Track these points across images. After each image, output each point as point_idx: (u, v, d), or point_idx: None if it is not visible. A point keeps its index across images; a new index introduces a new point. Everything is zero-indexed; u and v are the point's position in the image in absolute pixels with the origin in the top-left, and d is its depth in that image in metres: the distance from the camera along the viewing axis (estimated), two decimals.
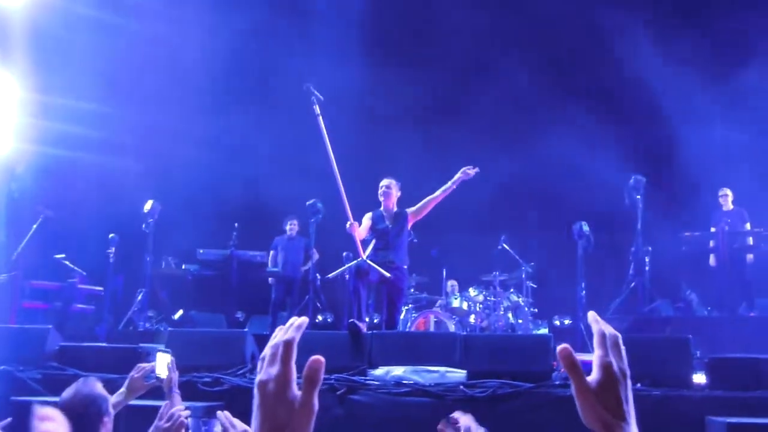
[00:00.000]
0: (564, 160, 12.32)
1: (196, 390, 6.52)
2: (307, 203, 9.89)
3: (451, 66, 13.64)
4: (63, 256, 11.40)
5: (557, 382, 6.30)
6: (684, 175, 12.19)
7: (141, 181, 12.30)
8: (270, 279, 11.68)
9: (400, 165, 10.31)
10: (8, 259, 10.27)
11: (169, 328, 9.03)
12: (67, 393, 3.62)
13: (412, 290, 11.36)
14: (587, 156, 11.96)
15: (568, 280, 10.18)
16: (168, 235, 11.38)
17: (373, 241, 8.37)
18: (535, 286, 11.77)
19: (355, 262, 8.25)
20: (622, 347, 1.40)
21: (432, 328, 10.28)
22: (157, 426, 3.06)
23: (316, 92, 8.18)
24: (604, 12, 12.09)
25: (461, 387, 6.31)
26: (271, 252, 11.88)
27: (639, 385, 6.00)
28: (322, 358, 1.32)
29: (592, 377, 1.36)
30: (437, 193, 8.34)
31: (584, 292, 9.87)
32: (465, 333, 9.50)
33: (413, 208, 8.46)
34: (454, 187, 8.28)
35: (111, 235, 10.85)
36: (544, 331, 11.29)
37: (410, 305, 11.11)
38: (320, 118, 8.12)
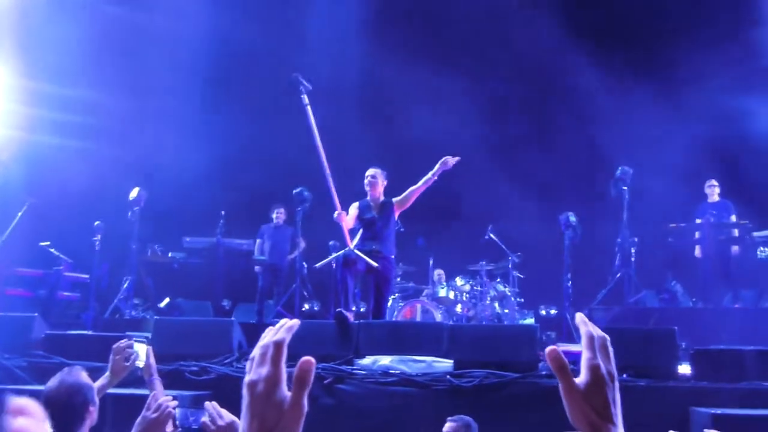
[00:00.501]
0: (549, 150, 12.38)
1: (183, 379, 6.51)
2: (294, 191, 9.88)
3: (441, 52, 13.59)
4: (48, 243, 11.34)
5: (543, 373, 6.33)
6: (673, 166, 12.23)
7: (127, 169, 12.24)
8: (256, 267, 11.64)
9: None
10: None
11: (156, 317, 8.99)
12: (52, 383, 3.60)
13: (399, 279, 11.36)
14: (573, 146, 12.02)
15: (555, 270, 10.23)
16: (154, 223, 11.33)
17: (361, 231, 8.35)
18: (522, 276, 11.80)
19: (342, 251, 8.24)
20: (611, 349, 1.40)
21: (419, 318, 10.30)
22: (144, 416, 3.04)
23: (304, 81, 8.14)
24: None
25: (448, 377, 6.32)
26: (258, 240, 11.83)
27: (624, 376, 6.04)
28: (313, 360, 1.31)
29: (580, 379, 1.37)
30: (419, 183, 8.30)
31: (570, 282, 9.93)
32: (452, 323, 9.52)
33: (399, 198, 8.42)
34: (435, 178, 8.24)
35: (96, 223, 10.78)
36: (530, 320, 11.33)
37: (397, 294, 11.12)
38: (309, 107, 8.08)
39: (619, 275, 9.95)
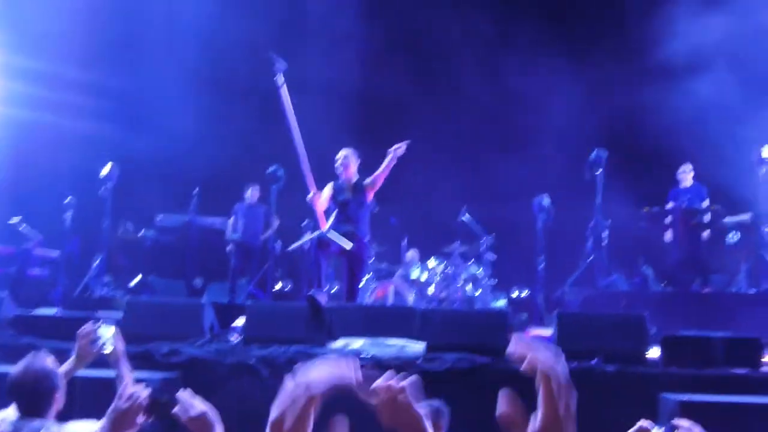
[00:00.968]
0: (526, 130, 12.37)
1: (153, 360, 6.46)
2: (268, 170, 9.81)
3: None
4: (18, 219, 11.20)
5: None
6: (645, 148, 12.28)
7: (99, 144, 12.08)
8: (229, 246, 11.56)
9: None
10: None
11: (127, 297, 8.92)
12: (18, 369, 3.57)
13: (372, 260, 11.33)
14: (550, 127, 12.01)
15: (528, 252, 10.27)
16: (127, 200, 11.21)
17: (335, 213, 8.31)
18: (495, 257, 11.79)
19: (316, 233, 8.19)
20: (573, 392, 1.37)
21: (391, 299, 10.31)
22: (116, 406, 3.00)
23: (279, 59, 7.99)
24: None
25: (418, 361, 6.34)
26: (231, 218, 11.72)
27: (594, 361, 6.08)
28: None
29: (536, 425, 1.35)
30: (379, 171, 8.18)
31: (543, 264, 9.98)
32: (423, 307, 9.51)
33: (368, 180, 8.33)
34: (392, 164, 8.14)
35: (68, 199, 10.66)
36: (502, 302, 11.36)
37: (370, 274, 11.09)
38: (284, 87, 7.95)
39: (591, 258, 10.01)
